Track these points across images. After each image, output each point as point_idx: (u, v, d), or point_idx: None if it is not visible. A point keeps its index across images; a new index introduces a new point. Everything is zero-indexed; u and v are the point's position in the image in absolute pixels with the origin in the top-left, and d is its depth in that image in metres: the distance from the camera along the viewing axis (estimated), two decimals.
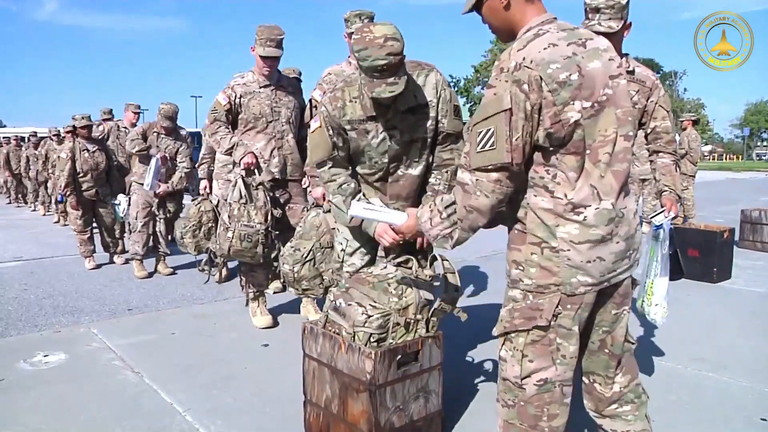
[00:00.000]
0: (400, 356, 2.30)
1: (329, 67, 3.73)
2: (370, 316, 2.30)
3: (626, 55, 2.89)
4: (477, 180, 1.66)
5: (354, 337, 2.31)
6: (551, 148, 1.65)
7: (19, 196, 14.53)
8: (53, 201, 11.03)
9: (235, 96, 4.07)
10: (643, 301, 2.86)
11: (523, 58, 1.61)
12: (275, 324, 4.25)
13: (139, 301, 5.12)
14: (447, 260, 2.37)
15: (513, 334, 1.78)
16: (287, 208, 4.25)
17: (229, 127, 4.12)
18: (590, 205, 1.67)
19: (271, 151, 4.13)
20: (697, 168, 9.45)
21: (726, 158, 64.38)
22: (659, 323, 2.86)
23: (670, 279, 2.80)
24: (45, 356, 3.68)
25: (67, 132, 9.68)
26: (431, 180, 2.67)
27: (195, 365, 3.53)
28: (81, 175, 6.53)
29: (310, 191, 4.00)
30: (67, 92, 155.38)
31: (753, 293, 5.22)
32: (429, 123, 2.55)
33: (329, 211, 3.37)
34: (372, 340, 2.29)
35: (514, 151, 1.61)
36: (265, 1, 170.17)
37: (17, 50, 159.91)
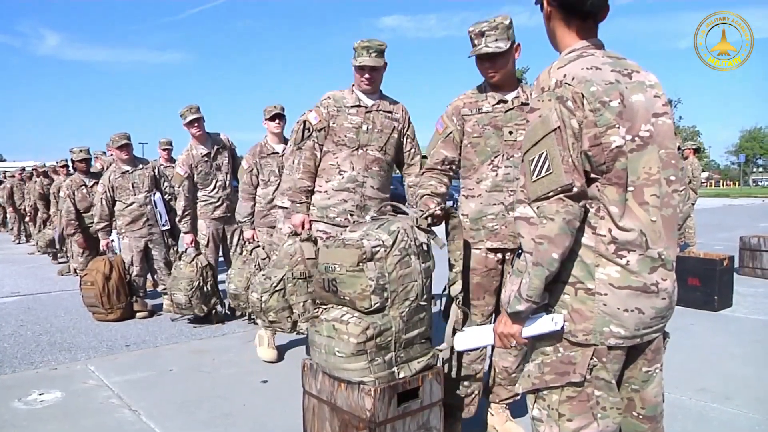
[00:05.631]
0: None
1: (330, 91, 3.68)
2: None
3: (521, 82, 2.85)
4: (539, 208, 1.52)
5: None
6: (592, 175, 1.56)
7: (22, 232, 14.40)
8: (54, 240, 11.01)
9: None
10: None
11: (564, 75, 1.55)
12: (278, 360, 4.20)
13: (136, 336, 5.07)
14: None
15: (545, 392, 1.66)
16: None
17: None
18: (635, 250, 1.56)
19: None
20: (697, 196, 9.48)
21: (723, 185, 64.64)
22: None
23: None
24: (40, 394, 3.63)
25: (62, 166, 9.69)
26: None
27: (193, 402, 3.48)
28: (82, 211, 6.52)
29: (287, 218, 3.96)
30: (67, 126, 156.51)
31: (755, 321, 5.19)
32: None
33: (307, 239, 3.30)
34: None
35: (574, 171, 1.51)
36: (261, 35, 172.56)
37: (19, 85, 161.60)
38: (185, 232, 5.60)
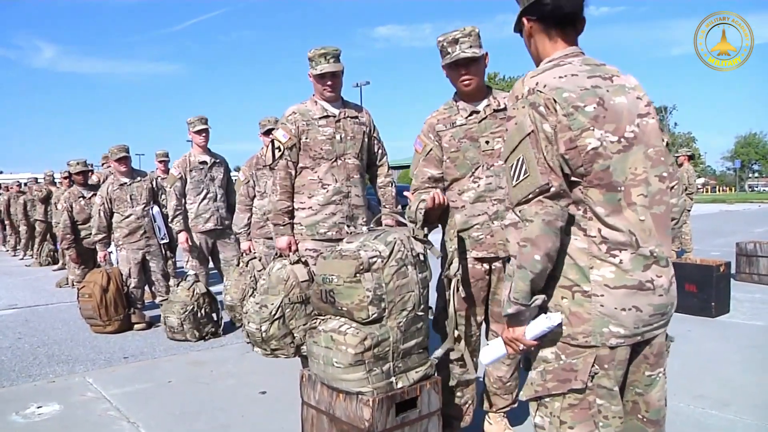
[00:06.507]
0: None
1: (293, 106, 3.54)
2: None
3: (490, 89, 2.84)
4: (521, 212, 1.58)
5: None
6: (573, 179, 1.60)
7: (17, 245, 14.33)
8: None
9: None
10: None
11: (536, 83, 1.62)
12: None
13: (135, 348, 5.07)
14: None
15: (547, 399, 1.67)
16: None
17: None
18: (626, 249, 1.59)
19: None
20: (693, 202, 9.51)
21: (719, 190, 64.81)
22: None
23: None
24: (38, 407, 3.62)
25: (64, 178, 9.73)
26: None
27: (192, 413, 3.47)
28: (80, 223, 6.51)
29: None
30: (63, 137, 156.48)
31: (753, 327, 5.20)
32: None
33: (298, 261, 3.23)
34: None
35: (549, 172, 1.56)
36: (257, 46, 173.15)
37: (15, 97, 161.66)
38: (178, 231, 5.58)
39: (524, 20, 1.77)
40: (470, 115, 2.76)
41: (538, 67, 1.76)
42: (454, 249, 2.60)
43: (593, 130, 1.57)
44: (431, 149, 2.80)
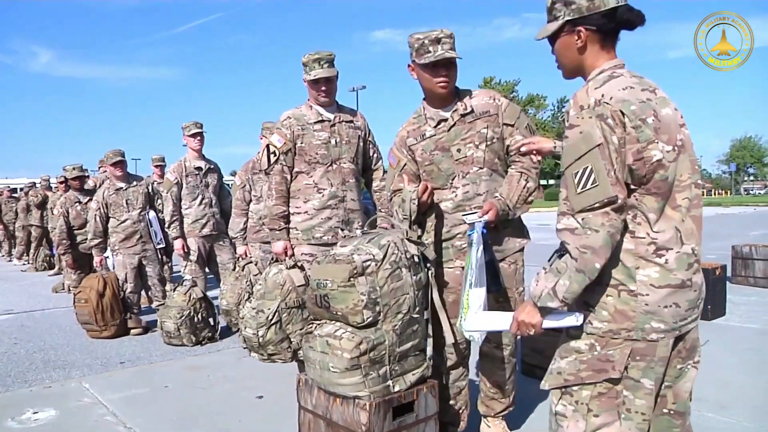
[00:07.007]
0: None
1: (288, 111, 3.55)
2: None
3: (468, 92, 2.79)
4: (584, 219, 1.59)
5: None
6: (632, 187, 1.63)
7: (12, 250, 14.31)
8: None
9: None
10: (461, 317, 2.40)
11: (602, 95, 1.62)
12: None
13: (131, 353, 5.05)
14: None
15: (575, 388, 1.72)
16: None
17: None
18: (672, 248, 1.66)
19: None
20: None
21: (715, 194, 64.99)
22: (477, 340, 2.45)
23: (488, 291, 2.43)
24: (34, 413, 3.61)
25: (60, 183, 9.72)
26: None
27: (189, 418, 3.46)
28: (76, 228, 6.50)
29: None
30: (60, 142, 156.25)
31: (749, 329, 5.21)
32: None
33: (294, 266, 3.23)
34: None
35: (618, 185, 1.58)
36: (255, 50, 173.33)
37: (11, 103, 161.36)
38: (175, 238, 5.57)
39: (581, 29, 1.73)
40: (438, 124, 2.72)
41: (576, 73, 1.80)
42: (430, 242, 2.64)
43: (657, 142, 1.61)
44: (405, 164, 2.78)
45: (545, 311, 1.72)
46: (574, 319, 1.71)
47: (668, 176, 1.63)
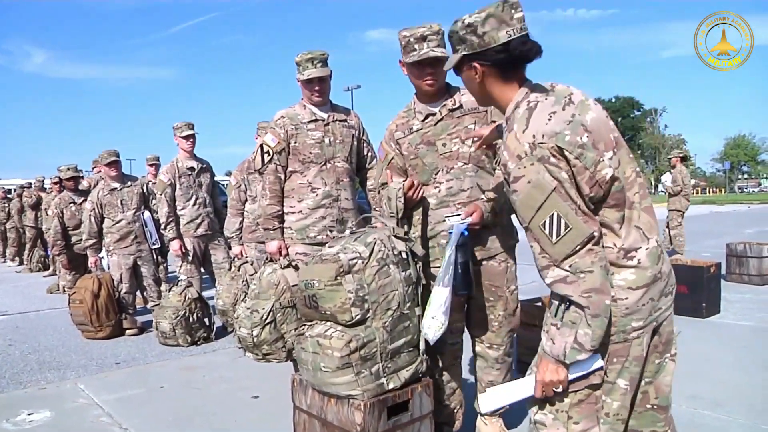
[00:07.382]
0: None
1: (282, 110, 3.54)
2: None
3: (457, 89, 2.75)
4: (572, 266, 1.54)
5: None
6: (592, 206, 1.61)
7: (6, 252, 14.22)
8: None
9: None
10: (426, 315, 2.41)
11: (533, 136, 1.57)
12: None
13: (126, 354, 5.04)
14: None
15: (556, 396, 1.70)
16: None
17: None
18: (641, 247, 1.66)
19: None
20: (689, 203, 9.58)
21: (709, 192, 65.15)
22: (431, 339, 2.40)
23: (456, 293, 2.40)
24: (29, 414, 3.60)
25: (54, 183, 9.69)
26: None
27: (184, 419, 3.46)
28: (70, 229, 6.48)
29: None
30: (55, 143, 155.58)
31: (743, 327, 5.23)
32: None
33: (288, 266, 3.20)
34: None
35: (588, 218, 1.56)
36: (250, 49, 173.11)
37: (5, 103, 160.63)
38: (171, 239, 5.55)
39: (475, 65, 1.71)
40: (426, 118, 2.71)
41: (488, 102, 1.80)
42: (417, 236, 2.64)
43: (602, 159, 1.59)
44: (392, 158, 2.77)
45: (572, 365, 1.65)
46: (599, 362, 1.65)
47: (621, 184, 1.62)
